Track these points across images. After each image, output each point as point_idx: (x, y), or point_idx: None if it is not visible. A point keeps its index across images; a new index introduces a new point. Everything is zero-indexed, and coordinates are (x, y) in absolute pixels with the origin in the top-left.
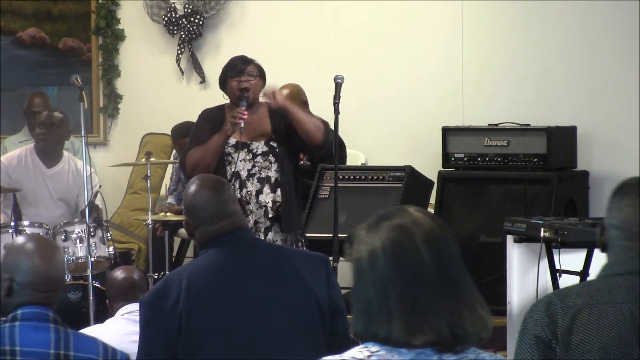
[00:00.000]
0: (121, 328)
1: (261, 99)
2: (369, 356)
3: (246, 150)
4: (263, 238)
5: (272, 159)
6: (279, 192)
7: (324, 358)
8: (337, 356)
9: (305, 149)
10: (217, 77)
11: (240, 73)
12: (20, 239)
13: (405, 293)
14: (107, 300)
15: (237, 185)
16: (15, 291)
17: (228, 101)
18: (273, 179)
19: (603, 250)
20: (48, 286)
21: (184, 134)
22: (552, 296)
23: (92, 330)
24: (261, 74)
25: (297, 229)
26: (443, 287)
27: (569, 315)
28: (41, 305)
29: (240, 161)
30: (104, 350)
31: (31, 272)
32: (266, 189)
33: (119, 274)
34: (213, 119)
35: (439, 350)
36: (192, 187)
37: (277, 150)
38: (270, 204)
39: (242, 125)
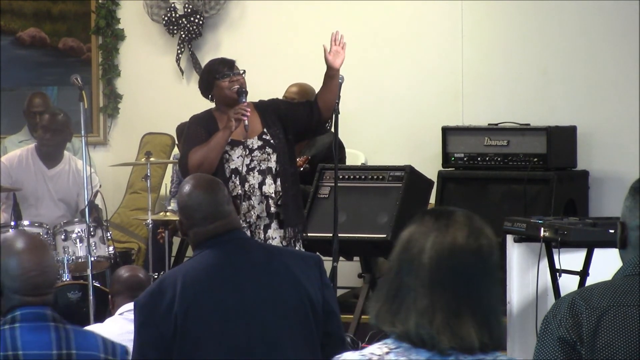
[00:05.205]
0: (119, 327)
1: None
2: (387, 352)
3: (242, 146)
4: (262, 235)
5: (269, 150)
6: (279, 182)
7: (343, 355)
8: (357, 353)
9: (307, 125)
10: None
11: (229, 73)
12: (8, 239)
13: (395, 280)
14: (109, 296)
15: (238, 182)
16: (4, 295)
17: (213, 105)
18: (274, 170)
19: (622, 247)
20: (37, 291)
21: None
22: (575, 296)
23: (92, 330)
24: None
25: (297, 221)
26: (431, 290)
27: (594, 317)
28: (38, 305)
29: (238, 157)
30: (103, 344)
31: (18, 278)
32: (268, 180)
33: (125, 271)
34: (204, 122)
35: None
36: (187, 187)
37: (272, 142)
38: (273, 195)
39: (247, 122)
